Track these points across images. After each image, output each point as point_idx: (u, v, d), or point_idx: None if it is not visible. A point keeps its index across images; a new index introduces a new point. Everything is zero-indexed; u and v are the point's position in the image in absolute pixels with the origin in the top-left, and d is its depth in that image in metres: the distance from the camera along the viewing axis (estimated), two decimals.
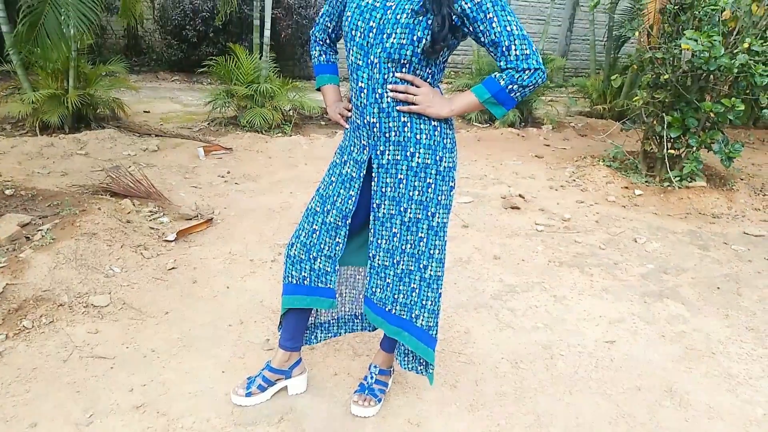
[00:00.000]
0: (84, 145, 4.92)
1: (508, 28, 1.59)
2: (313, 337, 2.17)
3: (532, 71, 1.62)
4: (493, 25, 1.59)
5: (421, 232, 1.83)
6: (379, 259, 1.90)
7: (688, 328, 2.81)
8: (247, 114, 5.96)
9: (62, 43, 3.99)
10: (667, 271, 3.43)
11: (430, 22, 1.60)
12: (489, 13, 1.59)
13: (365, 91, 1.73)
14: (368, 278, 1.96)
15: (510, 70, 1.63)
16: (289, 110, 6.41)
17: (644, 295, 3.11)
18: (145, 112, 6.59)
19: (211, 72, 6.37)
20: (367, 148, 1.81)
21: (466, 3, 1.59)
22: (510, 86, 1.65)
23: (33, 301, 2.51)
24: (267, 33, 6.30)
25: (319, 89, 2.03)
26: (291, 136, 5.95)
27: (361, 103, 1.76)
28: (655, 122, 4.86)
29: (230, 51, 6.18)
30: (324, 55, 1.99)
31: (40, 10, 3.86)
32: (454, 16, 1.61)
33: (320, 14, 1.94)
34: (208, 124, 6.21)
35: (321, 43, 1.98)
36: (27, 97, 5.03)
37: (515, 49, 1.60)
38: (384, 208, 1.83)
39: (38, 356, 2.24)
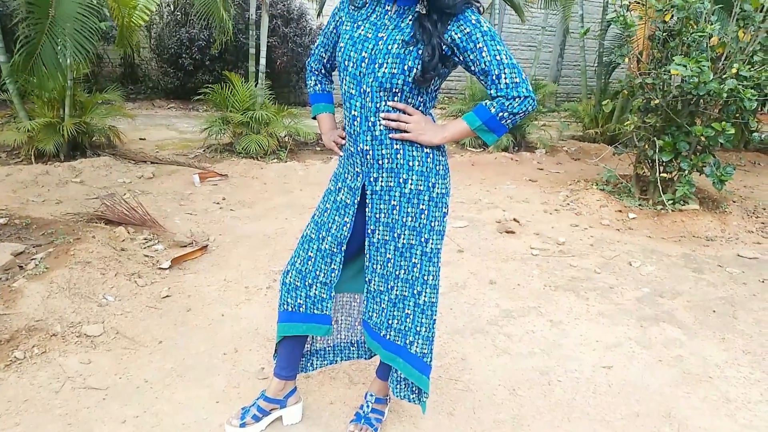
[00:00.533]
0: (79, 173, 4.93)
1: (498, 58, 1.62)
2: (309, 364, 2.15)
3: (522, 99, 1.65)
4: (483, 54, 1.62)
5: (415, 258, 1.83)
6: (374, 284, 1.91)
7: (684, 352, 2.80)
8: (243, 140, 6.00)
9: (58, 72, 4.03)
10: (663, 294, 3.43)
11: (420, 52, 1.63)
12: (479, 43, 1.62)
13: (358, 119, 1.75)
14: (365, 302, 1.96)
15: (500, 98, 1.66)
16: (285, 136, 6.45)
17: (640, 319, 3.11)
18: (141, 139, 6.62)
19: (207, 99, 6.42)
20: (361, 175, 1.82)
21: (456, 33, 1.63)
22: (500, 114, 1.67)
23: (25, 331, 2.49)
24: (263, 61, 6.37)
25: (315, 118, 2.06)
26: (286, 162, 5.98)
27: (354, 131, 1.78)
28: (646, 146, 4.92)
29: (226, 79, 6.24)
30: (319, 85, 2.03)
31: (38, 41, 3.91)
32: (444, 46, 1.64)
33: (315, 45, 1.98)
34: (204, 150, 6.24)
35: (316, 72, 2.02)
36: (23, 126, 5.05)
37: (505, 78, 1.63)
38: (378, 234, 1.84)
39: (30, 387, 2.21)
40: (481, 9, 1.68)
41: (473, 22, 1.62)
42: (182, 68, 8.65)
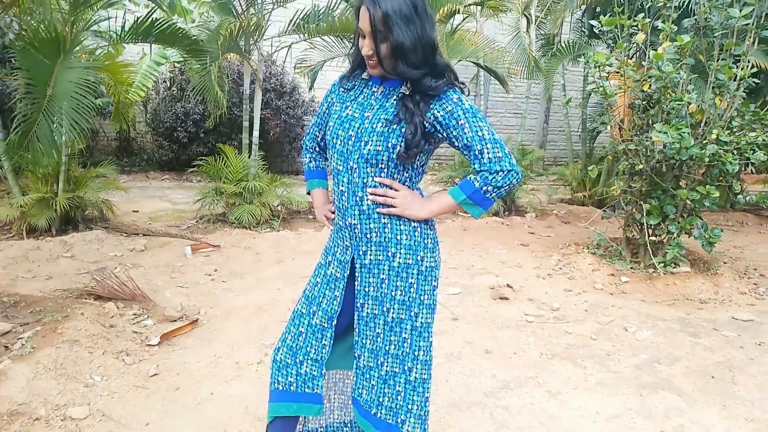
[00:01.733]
0: (70, 248, 4.92)
1: (480, 134, 1.68)
2: None
3: (505, 173, 1.70)
4: (465, 130, 1.68)
5: (405, 333, 1.82)
6: (364, 360, 1.88)
7: (686, 421, 2.73)
8: (236, 211, 6.04)
9: (53, 149, 4.09)
10: (660, 360, 3.38)
11: (403, 130, 1.69)
12: (461, 120, 1.68)
13: (346, 194, 1.79)
14: (354, 378, 1.92)
15: (484, 173, 1.71)
16: (278, 206, 6.51)
17: (639, 387, 3.05)
18: (134, 211, 6.66)
19: (201, 171, 6.51)
20: (350, 249, 1.84)
21: (438, 111, 1.69)
22: (485, 187, 1.72)
23: (7, 416, 2.41)
24: (256, 133, 6.52)
25: (309, 193, 2.11)
26: (279, 231, 6.01)
27: (342, 205, 1.82)
28: (634, 210, 4.98)
29: (220, 151, 6.35)
30: (314, 162, 2.10)
31: (34, 119, 3.99)
32: (426, 124, 1.70)
33: (310, 125, 2.07)
34: (197, 221, 6.26)
35: (311, 150, 2.09)
36: (15, 201, 5.08)
37: (488, 153, 1.68)
38: (367, 308, 1.83)
39: None
40: (465, 90, 1.75)
41: (455, 100, 1.69)
42: (177, 141, 8.81)
